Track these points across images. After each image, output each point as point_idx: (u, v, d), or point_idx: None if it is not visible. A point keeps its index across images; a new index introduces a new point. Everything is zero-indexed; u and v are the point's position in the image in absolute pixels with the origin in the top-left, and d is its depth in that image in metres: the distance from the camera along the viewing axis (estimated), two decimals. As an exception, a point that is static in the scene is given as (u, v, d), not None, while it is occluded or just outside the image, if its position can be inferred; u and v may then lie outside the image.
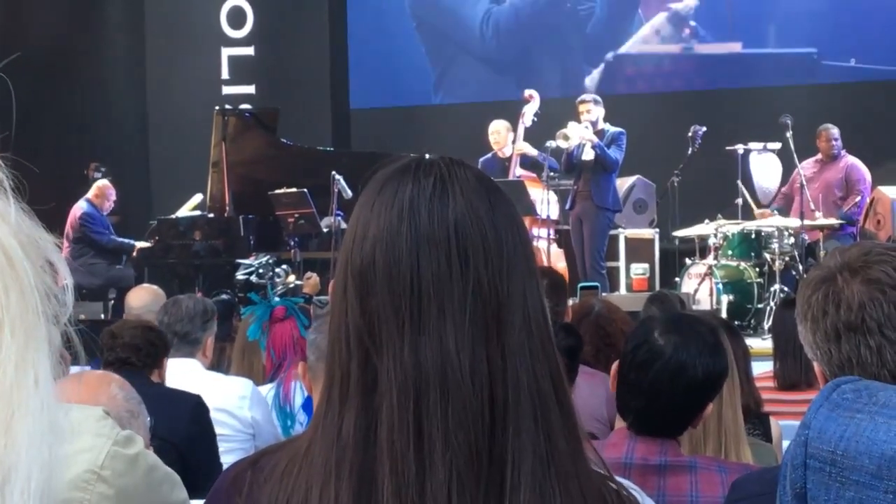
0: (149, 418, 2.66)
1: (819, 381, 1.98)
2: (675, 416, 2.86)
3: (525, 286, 1.38)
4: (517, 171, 12.27)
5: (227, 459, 4.37)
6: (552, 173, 11.92)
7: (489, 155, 12.49)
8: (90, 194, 12.77)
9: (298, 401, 4.58)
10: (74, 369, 3.86)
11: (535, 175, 12.20)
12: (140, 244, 12.72)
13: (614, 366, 2.97)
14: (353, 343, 1.37)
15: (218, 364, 5.63)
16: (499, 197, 1.42)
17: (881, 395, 1.51)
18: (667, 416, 2.85)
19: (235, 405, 4.63)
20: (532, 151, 12.17)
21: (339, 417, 1.37)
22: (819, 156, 12.21)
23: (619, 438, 2.89)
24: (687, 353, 2.83)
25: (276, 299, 4.69)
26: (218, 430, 4.40)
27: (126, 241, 12.79)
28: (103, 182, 13.07)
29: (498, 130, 12.44)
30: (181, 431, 4.11)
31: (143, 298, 6.08)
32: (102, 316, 11.73)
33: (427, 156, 1.43)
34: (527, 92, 12.63)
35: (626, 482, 1.49)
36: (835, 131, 12.09)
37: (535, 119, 12.31)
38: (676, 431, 2.91)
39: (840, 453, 1.50)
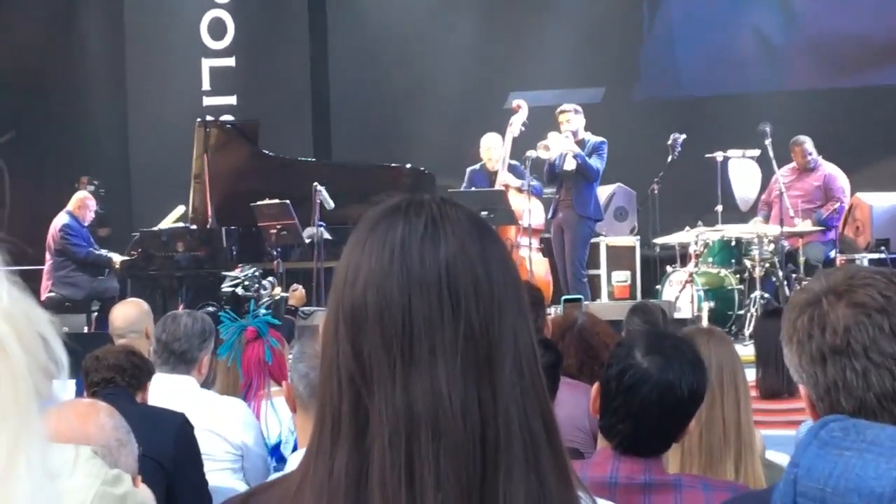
0: (137, 446, 2.66)
1: (805, 403, 2.00)
2: (661, 436, 2.88)
3: (516, 327, 1.39)
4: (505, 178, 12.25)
5: (213, 479, 4.38)
6: (534, 194, 11.89)
7: (477, 166, 12.46)
8: (70, 206, 12.75)
9: (273, 422, 4.62)
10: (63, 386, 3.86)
11: (519, 184, 12.20)
12: (117, 258, 12.67)
13: (594, 388, 2.97)
14: (344, 384, 1.37)
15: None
16: (490, 237, 1.42)
17: (869, 432, 1.52)
18: (654, 436, 2.87)
19: (226, 428, 4.64)
20: (515, 182, 12.09)
21: (331, 458, 1.37)
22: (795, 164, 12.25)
23: (603, 458, 2.90)
24: (672, 373, 2.85)
25: (252, 319, 4.69)
26: (206, 449, 4.39)
27: (104, 254, 12.74)
28: (83, 193, 13.07)
29: (491, 147, 12.34)
30: (167, 451, 4.10)
31: (129, 316, 6.04)
32: (86, 329, 11.71)
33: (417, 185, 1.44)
34: (514, 102, 12.60)
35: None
36: (808, 145, 12.09)
37: (524, 128, 12.28)
38: (661, 450, 2.92)
39: (829, 491, 1.51)
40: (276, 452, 4.44)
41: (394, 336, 1.35)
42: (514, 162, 12.26)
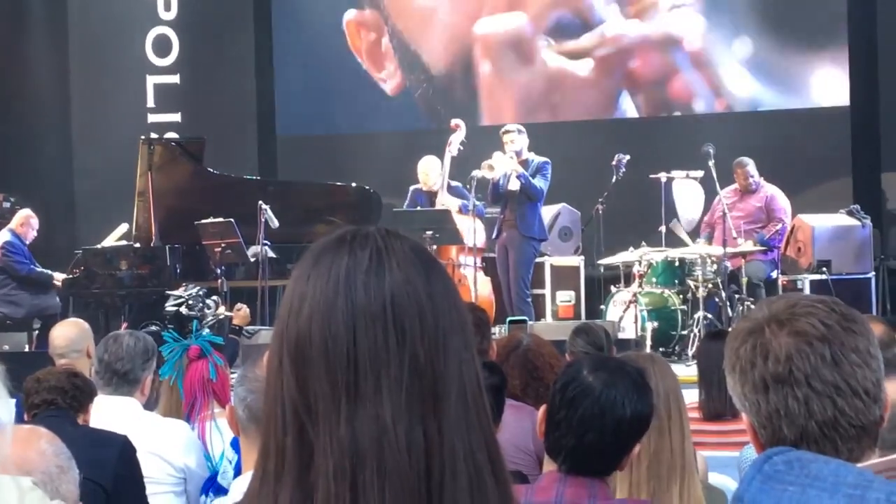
0: (78, 472, 2.63)
1: (748, 432, 2.00)
2: (603, 454, 2.89)
3: (461, 359, 1.38)
4: (444, 200, 12.29)
5: (155, 502, 4.34)
6: (477, 215, 11.91)
7: (419, 184, 12.49)
8: (13, 224, 12.63)
9: (217, 444, 4.58)
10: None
11: (458, 205, 12.22)
12: (59, 276, 12.55)
13: (541, 410, 2.98)
14: (288, 417, 1.36)
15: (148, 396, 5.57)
16: (435, 269, 1.41)
17: (813, 466, 1.53)
18: (596, 454, 2.88)
19: (170, 450, 4.59)
20: (454, 204, 12.13)
21: (274, 493, 1.36)
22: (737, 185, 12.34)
23: (549, 482, 2.91)
24: (616, 391, 2.88)
25: (193, 339, 4.65)
26: (149, 472, 4.36)
27: (45, 272, 12.61)
28: (26, 211, 12.93)
29: (427, 171, 12.40)
30: (108, 474, 4.06)
31: (68, 336, 5.97)
32: (27, 347, 11.59)
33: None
34: (453, 121, 12.64)
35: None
36: (750, 168, 12.19)
37: (462, 148, 12.32)
38: (605, 471, 2.93)
39: (772, 525, 1.52)
40: (213, 483, 4.38)
41: (338, 369, 1.34)
42: (455, 183, 12.29)
